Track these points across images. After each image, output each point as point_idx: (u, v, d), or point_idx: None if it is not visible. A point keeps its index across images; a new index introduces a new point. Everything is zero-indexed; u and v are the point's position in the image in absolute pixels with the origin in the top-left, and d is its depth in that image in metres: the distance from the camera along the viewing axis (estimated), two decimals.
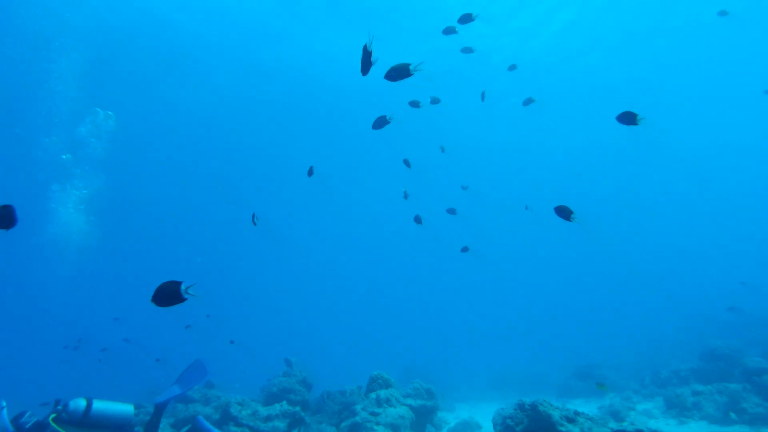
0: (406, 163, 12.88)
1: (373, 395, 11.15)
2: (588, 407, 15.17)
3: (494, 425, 9.52)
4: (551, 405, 7.53)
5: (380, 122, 8.83)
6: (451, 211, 13.70)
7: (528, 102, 15.46)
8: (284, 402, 11.06)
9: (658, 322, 32.50)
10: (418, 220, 12.46)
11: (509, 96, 38.49)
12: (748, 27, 34.92)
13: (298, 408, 10.90)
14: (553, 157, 49.27)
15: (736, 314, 25.13)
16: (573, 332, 39.86)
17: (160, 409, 7.32)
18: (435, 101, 13.91)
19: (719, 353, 18.02)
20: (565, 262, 65.05)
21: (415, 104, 11.81)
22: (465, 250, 12.60)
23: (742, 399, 12.05)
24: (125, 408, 6.17)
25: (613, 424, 7.77)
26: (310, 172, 11.38)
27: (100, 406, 5.97)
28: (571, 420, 7.46)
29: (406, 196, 12.38)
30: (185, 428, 7.75)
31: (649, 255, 60.78)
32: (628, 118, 7.06)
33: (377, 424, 9.49)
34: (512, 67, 18.21)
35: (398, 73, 5.82)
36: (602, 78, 39.14)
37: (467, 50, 15.63)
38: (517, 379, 25.45)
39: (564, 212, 7.67)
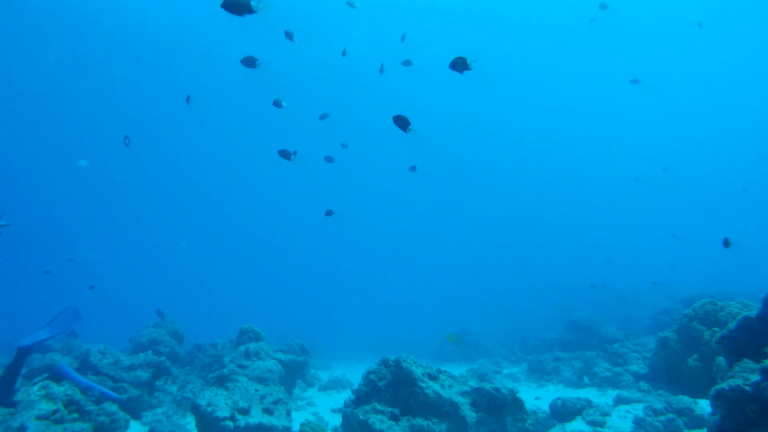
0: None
1: (242, 348, 10.98)
2: (459, 370, 15.70)
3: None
4: (414, 362, 7.70)
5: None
6: (329, 159, 13.38)
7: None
8: (149, 352, 10.71)
9: (531, 296, 34.11)
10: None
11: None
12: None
13: (163, 358, 10.57)
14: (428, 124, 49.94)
15: (598, 290, 26.83)
16: (450, 302, 41.16)
17: (23, 353, 6.92)
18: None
19: (581, 325, 19.18)
20: (446, 236, 66.81)
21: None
22: (329, 213, 12.45)
23: (595, 364, 12.88)
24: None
25: (473, 383, 8.05)
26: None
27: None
28: (433, 377, 7.66)
29: (294, 155, 12.08)
30: (41, 377, 7.28)
31: (525, 232, 63.44)
32: (461, 65, 6.71)
33: (244, 375, 9.38)
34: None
35: None
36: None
37: None
38: (395, 343, 25.98)
39: (401, 121, 7.33)
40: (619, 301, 26.92)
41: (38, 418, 5.95)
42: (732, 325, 6.60)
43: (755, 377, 4.73)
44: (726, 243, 6.13)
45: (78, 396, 6.69)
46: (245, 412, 7.24)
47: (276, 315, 33.86)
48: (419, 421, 6.94)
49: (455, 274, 55.73)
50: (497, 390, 7.48)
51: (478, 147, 55.31)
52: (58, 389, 6.62)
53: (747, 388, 4.68)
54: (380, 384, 7.59)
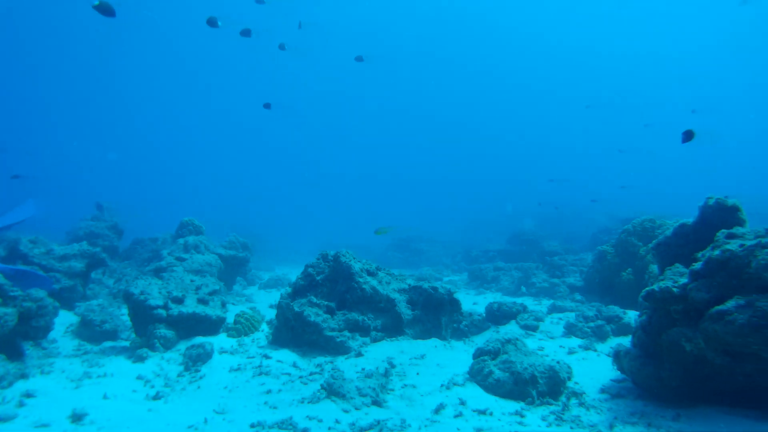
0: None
1: (181, 241, 10.80)
2: (410, 279, 15.91)
3: None
4: (354, 257, 7.66)
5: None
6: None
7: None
8: (84, 242, 10.39)
9: (479, 211, 34.57)
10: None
11: None
12: None
13: (98, 249, 10.27)
14: None
15: (545, 209, 27.28)
16: (397, 208, 41.49)
17: None
18: None
19: (524, 237, 19.58)
20: (391, 143, 66.88)
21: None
22: (267, 106, 12.00)
23: (533, 275, 13.18)
24: None
25: (411, 281, 8.10)
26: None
27: None
28: (371, 273, 7.66)
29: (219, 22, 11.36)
30: None
31: (478, 148, 63.97)
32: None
33: (181, 267, 9.23)
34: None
35: None
36: None
37: None
38: (342, 248, 26.13)
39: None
40: (565, 220, 27.51)
41: None
42: (668, 232, 6.71)
43: (683, 280, 4.81)
44: (688, 136, 6.07)
45: (2, 281, 6.43)
46: (179, 301, 7.14)
47: (222, 215, 33.56)
48: (355, 315, 6.97)
49: (407, 187, 56.02)
50: (435, 289, 7.54)
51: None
52: None
53: (675, 289, 4.77)
54: (318, 278, 7.56)
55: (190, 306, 7.12)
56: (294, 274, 15.64)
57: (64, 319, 8.11)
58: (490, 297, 12.82)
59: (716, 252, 4.59)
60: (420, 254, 22.09)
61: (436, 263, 20.52)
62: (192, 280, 7.82)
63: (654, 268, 8.89)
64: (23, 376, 5.75)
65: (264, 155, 69.05)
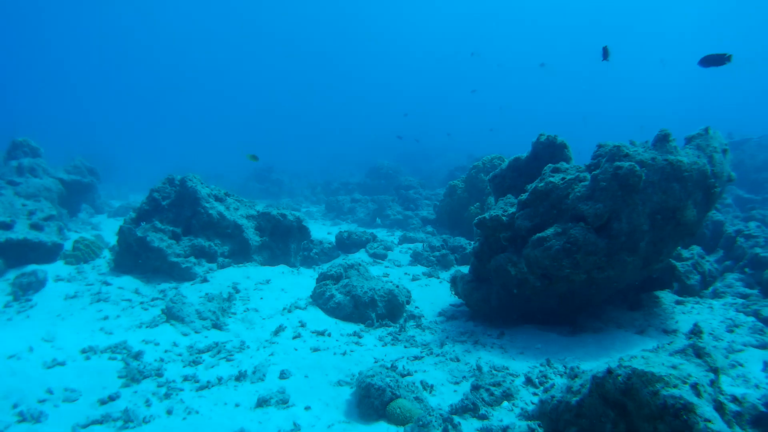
0: None
1: (14, 162, 9.96)
2: (259, 206, 15.75)
3: None
4: (201, 182, 7.49)
5: None
6: None
7: None
8: None
9: (342, 143, 34.68)
10: None
11: None
12: None
13: None
14: None
15: (406, 144, 27.84)
16: (253, 137, 40.80)
17: None
18: None
19: (383, 172, 19.92)
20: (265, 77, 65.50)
21: None
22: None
23: (388, 207, 13.49)
24: None
25: (260, 207, 8.07)
26: None
27: None
28: (219, 199, 7.55)
29: None
30: None
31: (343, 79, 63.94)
32: None
33: (16, 194, 8.57)
34: None
35: None
36: None
37: None
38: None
39: None
40: (425, 156, 28.26)
41: None
42: (504, 165, 7.08)
43: (512, 210, 5.13)
44: (604, 53, 6.31)
45: None
46: (7, 227, 6.67)
47: (69, 136, 31.48)
48: (201, 241, 6.87)
49: (274, 120, 55.11)
50: (283, 216, 7.56)
51: None
52: None
53: (504, 218, 5.08)
54: (164, 203, 7.33)
55: (21, 232, 6.69)
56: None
57: None
58: (345, 227, 13.03)
59: (541, 184, 4.92)
60: (280, 185, 21.90)
61: (297, 195, 20.51)
62: (24, 205, 7.33)
63: (491, 199, 9.39)
64: None
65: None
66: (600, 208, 4.38)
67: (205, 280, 6.40)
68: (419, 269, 7.89)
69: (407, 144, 28.44)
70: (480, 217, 5.26)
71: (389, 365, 4.12)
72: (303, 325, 5.13)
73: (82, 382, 3.91)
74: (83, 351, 4.38)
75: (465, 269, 7.21)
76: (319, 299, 5.65)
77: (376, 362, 4.39)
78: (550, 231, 4.58)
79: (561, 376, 4.01)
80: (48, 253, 6.86)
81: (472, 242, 8.53)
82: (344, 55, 65.78)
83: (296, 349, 4.62)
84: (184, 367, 4.22)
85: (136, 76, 64.06)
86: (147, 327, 4.96)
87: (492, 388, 3.61)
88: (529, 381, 3.90)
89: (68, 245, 7.39)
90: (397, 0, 62.03)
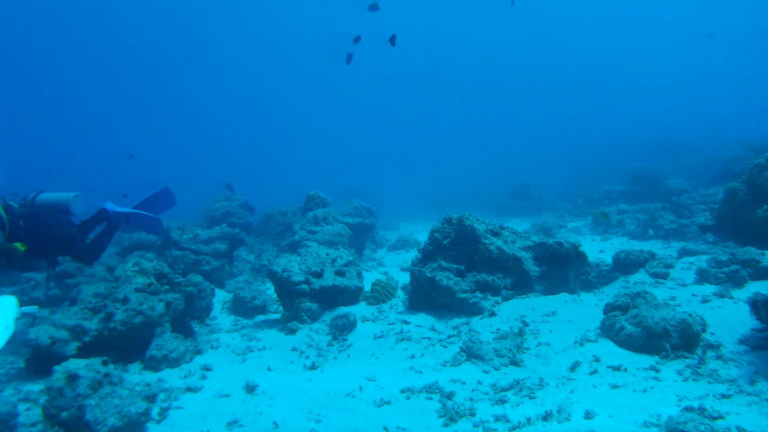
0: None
1: (310, 214, 11.50)
2: (523, 225, 15.98)
3: None
4: (477, 219, 7.93)
5: None
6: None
7: None
8: (224, 225, 11.31)
9: (593, 149, 33.52)
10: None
11: None
12: None
13: (237, 230, 11.17)
14: None
15: (660, 142, 26.12)
16: (508, 155, 40.93)
17: (103, 215, 7.32)
18: None
19: (645, 176, 18.97)
20: (501, 86, 65.53)
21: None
22: (349, 58, 11.96)
23: (660, 216, 12.83)
24: (65, 195, 6.42)
25: (535, 237, 8.26)
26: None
27: (45, 195, 6.35)
28: (495, 233, 7.91)
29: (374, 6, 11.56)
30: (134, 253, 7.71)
31: (583, 82, 61.73)
32: None
33: (314, 241, 9.87)
34: None
35: None
36: None
37: None
38: (456, 199, 26.27)
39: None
40: (684, 151, 26.24)
41: (137, 290, 6.55)
42: None
43: None
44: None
45: (166, 270, 7.26)
46: (318, 275, 7.72)
47: (337, 179, 34.44)
48: (484, 276, 7.27)
49: (516, 130, 55.12)
50: (559, 244, 7.68)
51: None
52: (148, 265, 7.19)
53: None
54: (445, 242, 7.90)
55: (329, 279, 7.69)
56: (419, 232, 16.19)
57: (219, 297, 8.95)
58: (617, 242, 12.68)
59: None
60: (540, 201, 21.91)
61: (557, 208, 20.30)
62: (327, 254, 8.39)
63: None
64: (198, 352, 6.54)
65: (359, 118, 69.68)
66: None
67: (492, 314, 6.77)
68: (707, 288, 7.35)
69: (656, 137, 26.75)
70: None
71: (696, 406, 4.01)
72: (597, 360, 5.17)
73: (408, 421, 4.39)
74: (402, 391, 4.92)
75: (762, 286, 6.66)
76: (609, 331, 5.69)
77: (679, 401, 4.30)
78: None
79: None
80: (351, 295, 7.79)
81: (766, 252, 7.82)
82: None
83: (595, 386, 4.69)
84: (492, 405, 4.52)
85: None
86: (450, 366, 5.41)
87: None
88: None
89: (366, 286, 8.29)
90: None
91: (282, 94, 70.44)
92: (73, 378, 4.94)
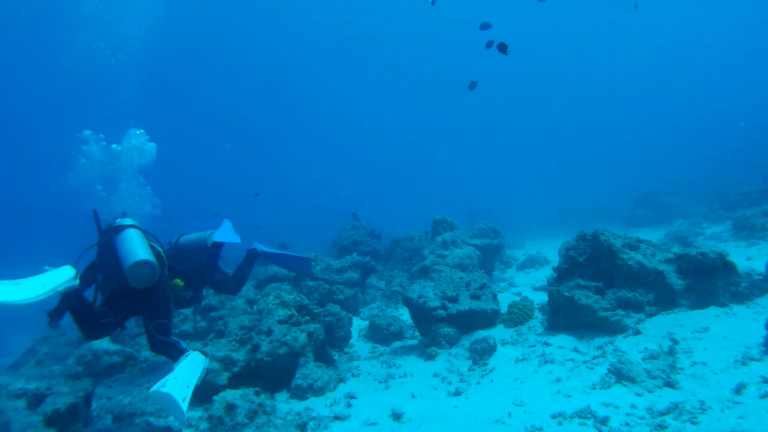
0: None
1: (438, 238, 11.57)
2: (654, 235, 15.23)
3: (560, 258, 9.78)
4: (612, 234, 7.66)
5: None
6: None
7: None
8: (354, 254, 11.59)
9: (718, 146, 31.50)
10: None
11: None
12: None
13: (368, 258, 11.42)
14: None
15: None
16: (630, 162, 39.25)
17: (254, 255, 7.62)
18: None
19: None
20: (620, 88, 63.32)
21: None
22: (473, 86, 11.68)
23: None
24: (203, 234, 6.80)
25: (676, 249, 7.87)
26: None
27: (187, 237, 6.83)
28: (633, 247, 7.61)
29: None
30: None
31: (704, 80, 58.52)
32: None
33: (445, 265, 9.90)
34: None
35: None
36: None
37: None
38: (580, 212, 25.55)
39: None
40: None
41: (279, 322, 6.86)
42: None
43: None
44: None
45: (306, 302, 7.55)
46: (454, 300, 7.73)
47: (455, 202, 34.41)
48: (625, 292, 7.00)
49: (630, 134, 53.10)
50: (704, 255, 7.27)
51: None
52: (288, 297, 7.51)
53: None
54: (580, 259, 7.69)
55: (465, 303, 7.68)
56: (546, 249, 15.88)
57: (354, 325, 9.15)
58: (765, 248, 11.79)
59: None
60: (669, 208, 20.79)
61: (690, 214, 19.18)
62: (461, 278, 8.40)
63: None
64: (341, 380, 6.72)
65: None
66: None
67: (637, 332, 6.48)
68: None
69: None
70: None
71: None
72: (766, 381, 4.80)
73: None
74: (553, 416, 4.80)
75: None
76: None
77: None
78: None
79: None
80: (488, 318, 7.74)
81: None
82: None
83: None
84: (651, 431, 4.30)
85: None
86: (600, 388, 5.21)
87: None
88: None
89: (502, 308, 8.19)
90: None
91: (398, 125, 71.61)
92: (231, 408, 5.24)
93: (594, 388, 5.26)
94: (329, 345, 7.68)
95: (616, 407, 4.78)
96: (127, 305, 5.47)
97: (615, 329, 6.67)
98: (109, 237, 5.76)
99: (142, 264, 5.28)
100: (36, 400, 5.66)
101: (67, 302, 5.03)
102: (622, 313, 6.80)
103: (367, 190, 52.81)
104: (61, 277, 5.01)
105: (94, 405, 6.30)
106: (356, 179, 61.97)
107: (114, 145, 8.35)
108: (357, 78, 63.94)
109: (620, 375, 5.25)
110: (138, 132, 8.48)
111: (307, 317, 7.32)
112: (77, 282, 5.14)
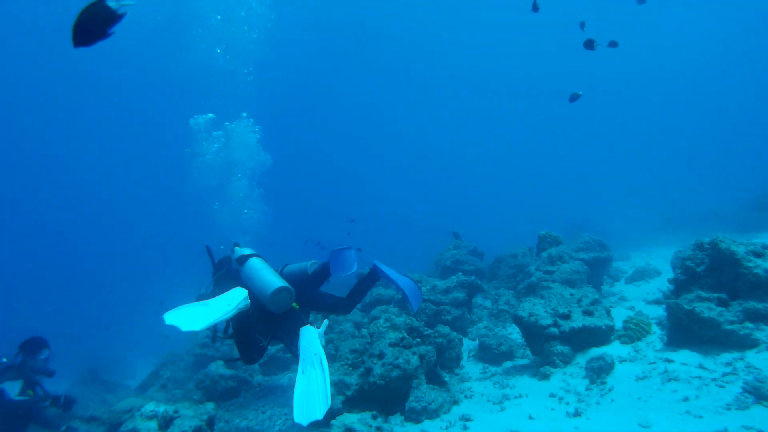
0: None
1: (544, 254, 11.32)
2: None
3: (673, 269, 9.35)
4: (733, 241, 7.25)
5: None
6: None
7: None
8: (459, 273, 11.53)
9: None
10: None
11: None
12: None
13: (473, 277, 11.32)
14: None
15: None
16: (741, 160, 36.99)
17: (375, 274, 7.39)
18: None
19: None
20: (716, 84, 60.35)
21: None
22: (574, 98, 11.08)
23: None
24: (305, 264, 6.91)
25: None
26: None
27: (290, 266, 6.86)
28: (758, 254, 7.15)
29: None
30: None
31: None
32: None
33: (553, 281, 9.67)
34: None
35: None
36: None
37: None
38: (687, 218, 24.25)
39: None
40: None
41: (390, 345, 6.90)
42: None
43: None
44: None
45: (416, 324, 7.58)
46: (566, 317, 7.52)
47: (550, 213, 33.54)
48: (753, 303, 6.58)
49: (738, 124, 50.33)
50: None
51: None
52: (398, 320, 7.55)
53: None
54: (699, 270, 7.31)
55: (578, 320, 7.46)
56: (654, 259, 15.21)
57: (466, 345, 9.09)
58: None
59: None
60: None
61: None
62: (571, 294, 8.18)
63: None
64: (455, 402, 6.67)
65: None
66: None
67: None
68: None
69: None
70: None
71: None
72: None
73: None
74: None
75: None
76: None
77: None
78: None
79: None
80: (603, 335, 7.46)
81: None
82: None
83: None
84: None
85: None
86: (736, 409, 4.88)
87: None
88: None
89: (617, 324, 7.89)
90: None
91: (490, 140, 71.16)
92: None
93: (729, 409, 4.94)
94: (440, 366, 7.66)
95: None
96: (269, 330, 5.99)
97: (744, 344, 6.26)
98: (234, 267, 6.16)
99: (281, 291, 5.72)
100: (165, 422, 6.01)
101: (238, 320, 5.75)
102: (751, 326, 6.38)
103: (463, 208, 52.33)
104: (237, 297, 5.57)
105: (215, 428, 6.56)
106: (452, 197, 61.63)
107: (227, 123, 8.76)
108: (456, 98, 64.30)
109: (759, 394, 4.91)
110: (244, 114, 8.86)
111: (418, 339, 7.33)
112: (249, 302, 5.65)
